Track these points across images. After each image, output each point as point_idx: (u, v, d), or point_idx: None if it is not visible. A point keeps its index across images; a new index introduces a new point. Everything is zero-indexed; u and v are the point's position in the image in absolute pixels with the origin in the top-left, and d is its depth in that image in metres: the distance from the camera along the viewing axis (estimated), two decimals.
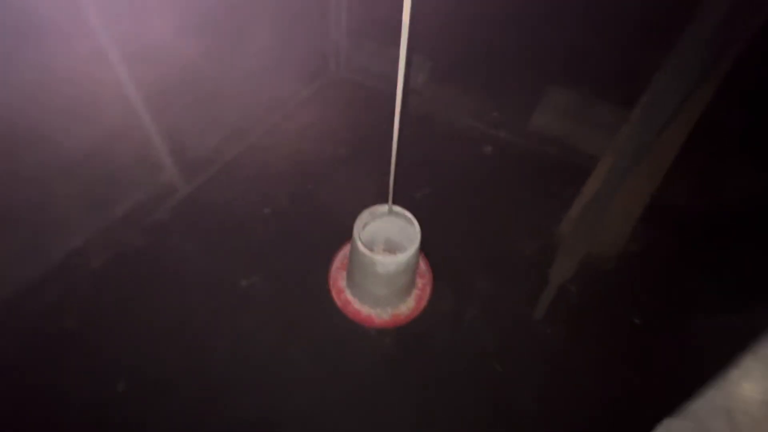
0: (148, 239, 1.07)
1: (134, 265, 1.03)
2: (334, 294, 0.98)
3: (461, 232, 1.16)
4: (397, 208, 0.84)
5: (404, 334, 0.96)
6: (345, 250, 1.05)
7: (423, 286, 1.00)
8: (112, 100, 0.93)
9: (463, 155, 1.36)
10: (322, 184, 1.24)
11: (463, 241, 1.14)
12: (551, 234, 1.16)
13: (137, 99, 0.96)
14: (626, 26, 1.14)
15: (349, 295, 0.97)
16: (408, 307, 0.97)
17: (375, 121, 1.44)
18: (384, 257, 0.82)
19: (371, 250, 0.80)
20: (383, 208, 0.85)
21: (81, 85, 0.87)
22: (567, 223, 1.16)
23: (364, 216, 0.84)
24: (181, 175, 1.15)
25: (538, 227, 1.18)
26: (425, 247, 0.90)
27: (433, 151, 1.35)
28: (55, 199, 0.92)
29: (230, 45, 1.14)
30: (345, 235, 1.10)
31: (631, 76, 1.20)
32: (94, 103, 0.91)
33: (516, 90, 1.46)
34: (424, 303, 0.98)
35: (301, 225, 1.14)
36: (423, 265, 1.03)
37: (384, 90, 1.53)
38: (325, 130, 1.40)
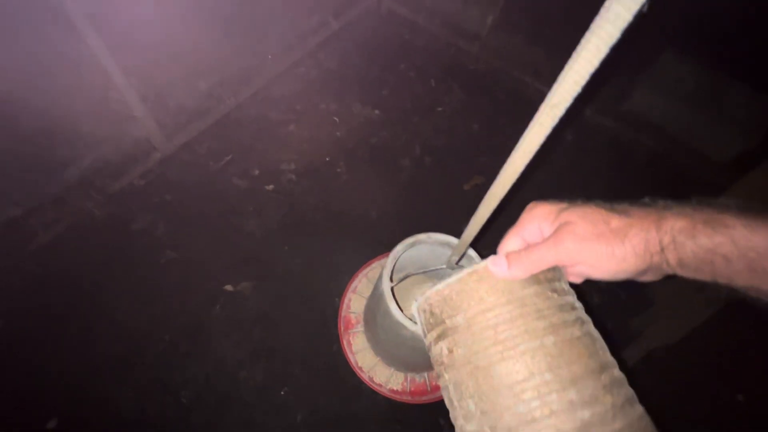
0: (110, 211, 0.82)
1: (87, 247, 0.78)
2: (345, 345, 0.70)
3: None
4: (472, 255, 0.53)
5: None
6: (378, 264, 0.78)
7: None
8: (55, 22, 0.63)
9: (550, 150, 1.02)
10: (344, 157, 0.95)
11: None
12: None
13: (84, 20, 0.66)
14: None
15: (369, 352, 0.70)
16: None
17: (422, 75, 1.10)
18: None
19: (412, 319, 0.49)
20: (430, 239, 0.56)
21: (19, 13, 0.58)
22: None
23: (399, 251, 0.53)
24: (160, 129, 0.87)
25: None
26: None
27: (489, 125, 1.02)
28: None
29: None
30: (369, 236, 0.83)
31: None
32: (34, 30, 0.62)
33: (612, 57, 1.08)
34: None
35: (310, 214, 0.87)
36: None
37: (438, 33, 1.17)
38: (353, 80, 1.07)
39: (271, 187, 0.89)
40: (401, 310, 0.49)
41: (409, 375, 0.68)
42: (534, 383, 0.27)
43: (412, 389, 0.67)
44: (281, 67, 1.04)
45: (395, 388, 0.67)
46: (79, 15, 0.65)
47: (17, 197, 0.77)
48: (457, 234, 0.43)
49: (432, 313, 0.33)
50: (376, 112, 1.03)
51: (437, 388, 0.68)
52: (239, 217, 0.85)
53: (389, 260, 0.52)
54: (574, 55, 0.20)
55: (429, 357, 0.72)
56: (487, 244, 0.50)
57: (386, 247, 0.55)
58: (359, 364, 0.68)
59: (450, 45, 1.17)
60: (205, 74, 0.95)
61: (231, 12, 0.94)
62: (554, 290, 0.31)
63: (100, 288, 0.74)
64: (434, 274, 0.61)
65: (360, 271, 0.76)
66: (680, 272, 0.26)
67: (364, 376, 0.67)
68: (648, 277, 0.28)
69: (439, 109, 1.05)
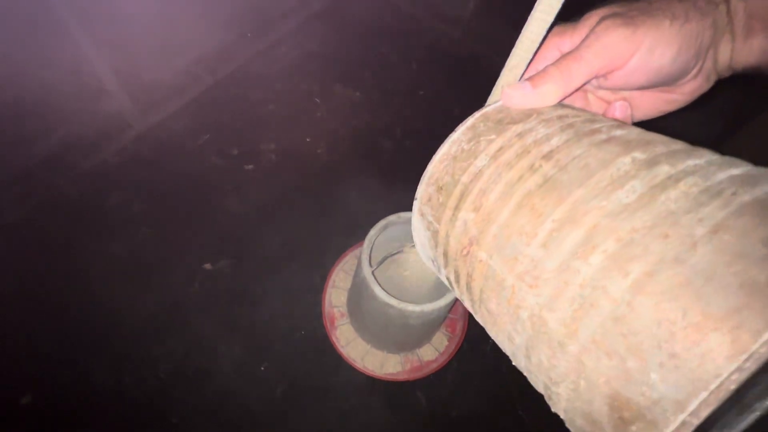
0: (82, 189, 0.80)
1: (59, 224, 0.77)
2: (328, 326, 0.71)
3: None
4: None
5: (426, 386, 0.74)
6: (351, 255, 0.79)
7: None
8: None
9: None
10: (324, 138, 0.95)
11: None
12: None
13: None
14: None
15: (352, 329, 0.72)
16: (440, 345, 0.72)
17: (404, 58, 1.10)
18: (420, 307, 0.51)
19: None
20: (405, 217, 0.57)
21: None
22: None
23: (373, 235, 0.54)
24: (135, 105, 0.85)
25: None
26: None
27: (470, 109, 1.04)
28: None
29: None
30: (348, 217, 0.83)
31: None
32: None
33: None
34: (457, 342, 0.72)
35: (290, 194, 0.86)
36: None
37: (420, 17, 1.17)
38: (335, 61, 1.07)
39: (250, 166, 0.89)
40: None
41: (401, 355, 0.70)
42: (625, 162, 0.19)
43: (408, 368, 0.69)
44: (261, 46, 1.03)
45: (391, 372, 0.68)
46: None
47: None
48: None
49: (439, 187, 0.25)
50: (357, 93, 1.03)
51: (430, 362, 0.70)
52: (218, 196, 0.84)
53: (365, 246, 0.53)
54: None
55: (420, 331, 0.73)
56: None
57: (364, 229, 0.56)
58: (351, 356, 0.69)
59: (432, 29, 1.17)
60: (181, 50, 0.93)
61: None
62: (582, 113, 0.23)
63: (73, 265, 0.73)
64: (412, 251, 0.63)
65: (336, 265, 0.76)
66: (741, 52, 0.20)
67: (358, 366, 0.68)
68: (694, 77, 0.21)
69: (421, 92, 1.06)
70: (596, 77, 0.22)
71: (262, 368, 0.69)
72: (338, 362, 0.70)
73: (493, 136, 0.23)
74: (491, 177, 0.21)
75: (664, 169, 0.18)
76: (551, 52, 0.23)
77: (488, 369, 0.74)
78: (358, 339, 0.70)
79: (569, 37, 0.22)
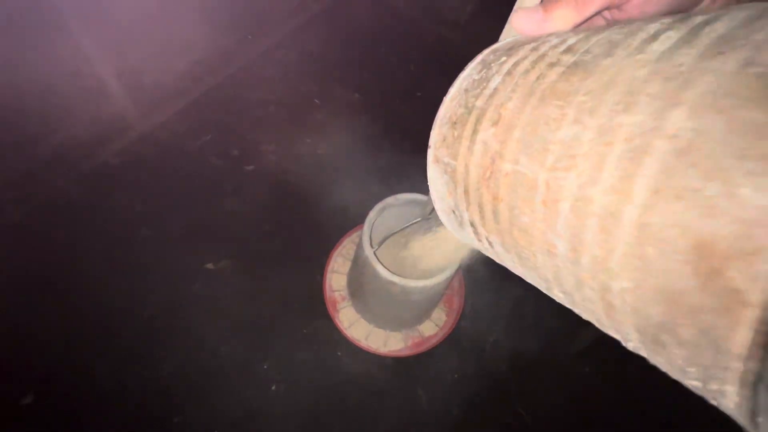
0: (83, 190, 0.80)
1: (60, 225, 0.77)
2: (329, 307, 0.74)
3: None
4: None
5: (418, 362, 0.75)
6: (348, 240, 0.80)
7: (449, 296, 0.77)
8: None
9: None
10: (324, 140, 0.95)
11: None
12: None
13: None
14: None
15: (352, 310, 0.74)
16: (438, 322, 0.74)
17: (403, 60, 1.11)
18: (422, 282, 0.53)
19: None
20: (404, 198, 0.58)
21: None
22: None
23: (372, 217, 0.57)
24: (136, 107, 0.86)
25: None
26: None
27: None
28: None
29: None
30: (348, 219, 0.84)
31: None
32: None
33: None
34: (454, 318, 0.75)
35: (290, 195, 0.87)
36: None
37: (418, 19, 1.18)
38: (334, 63, 1.08)
39: (251, 167, 0.89)
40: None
41: (403, 332, 0.72)
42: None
43: (410, 344, 0.72)
44: (260, 49, 1.04)
45: (394, 348, 0.71)
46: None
47: None
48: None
49: (453, 123, 0.23)
50: (356, 95, 1.04)
51: (431, 336, 0.73)
52: (219, 196, 0.84)
53: (365, 228, 0.56)
54: None
55: (421, 307, 0.75)
56: None
57: (354, 218, 0.57)
58: (356, 337, 0.71)
59: (430, 31, 1.18)
60: (182, 52, 0.94)
61: None
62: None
63: (75, 265, 0.73)
64: (411, 230, 0.64)
65: (334, 251, 0.78)
66: None
67: (363, 345, 0.71)
68: None
69: (419, 93, 1.07)
70: (609, 8, 0.20)
71: (265, 366, 0.69)
72: (340, 358, 0.71)
73: (504, 59, 0.20)
74: (507, 88, 0.19)
75: (701, 17, 0.15)
76: None
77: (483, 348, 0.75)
78: (361, 320, 0.72)
79: None
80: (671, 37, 0.15)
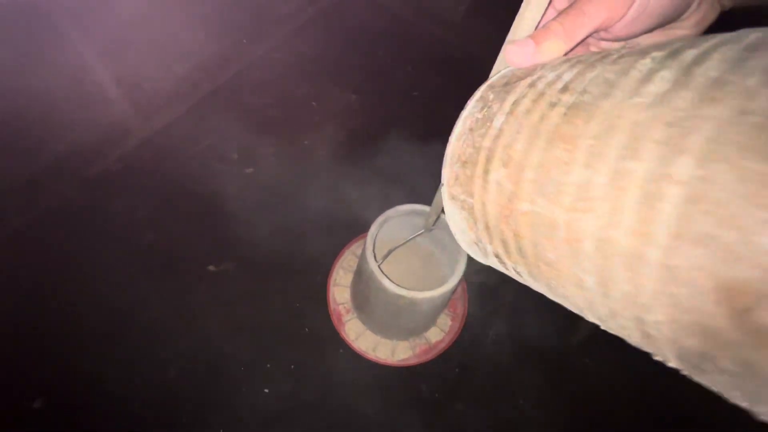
0: (86, 196, 0.81)
1: (64, 231, 0.78)
2: (335, 321, 0.74)
3: None
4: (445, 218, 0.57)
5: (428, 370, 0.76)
6: (348, 252, 0.80)
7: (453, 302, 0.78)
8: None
9: None
10: (322, 141, 0.96)
11: None
12: None
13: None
14: None
15: (357, 320, 0.74)
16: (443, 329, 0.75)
17: (399, 61, 1.12)
18: (429, 293, 0.53)
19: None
20: (404, 209, 0.59)
21: None
22: None
23: (374, 232, 0.57)
24: (136, 113, 0.87)
25: None
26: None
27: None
28: None
29: None
30: (346, 219, 0.85)
31: None
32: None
33: None
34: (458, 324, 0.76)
35: (290, 197, 0.88)
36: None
37: (413, 20, 1.19)
38: (330, 65, 1.09)
39: (250, 170, 0.90)
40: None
41: (410, 340, 0.73)
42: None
43: (418, 351, 0.73)
44: (258, 53, 1.05)
45: (402, 357, 0.72)
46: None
47: None
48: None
49: (464, 162, 0.24)
50: (353, 96, 1.05)
51: (438, 342, 0.74)
52: (220, 199, 0.86)
53: (368, 242, 0.56)
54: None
55: (428, 316, 0.76)
56: None
57: (363, 227, 0.58)
58: (363, 349, 0.72)
59: (425, 32, 1.19)
60: (180, 58, 0.95)
61: None
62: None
63: (80, 270, 0.74)
64: (414, 243, 0.65)
65: (335, 264, 0.79)
66: None
67: (371, 357, 0.71)
68: (698, 8, 0.21)
69: (415, 93, 1.08)
70: (597, 30, 0.22)
71: (268, 366, 0.70)
72: (342, 356, 0.72)
73: (503, 96, 0.21)
74: (512, 128, 0.20)
75: (691, 53, 0.16)
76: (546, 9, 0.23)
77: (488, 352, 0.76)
78: (367, 332, 0.72)
79: None
80: (665, 78, 0.16)
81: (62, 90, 0.80)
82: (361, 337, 0.72)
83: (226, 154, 0.91)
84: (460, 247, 0.56)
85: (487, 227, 0.23)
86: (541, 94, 0.19)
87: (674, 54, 0.16)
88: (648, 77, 0.16)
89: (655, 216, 0.14)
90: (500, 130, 0.21)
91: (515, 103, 0.21)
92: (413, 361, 0.72)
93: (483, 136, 0.22)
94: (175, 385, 0.67)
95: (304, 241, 0.83)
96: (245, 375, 0.70)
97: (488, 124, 0.22)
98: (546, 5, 0.23)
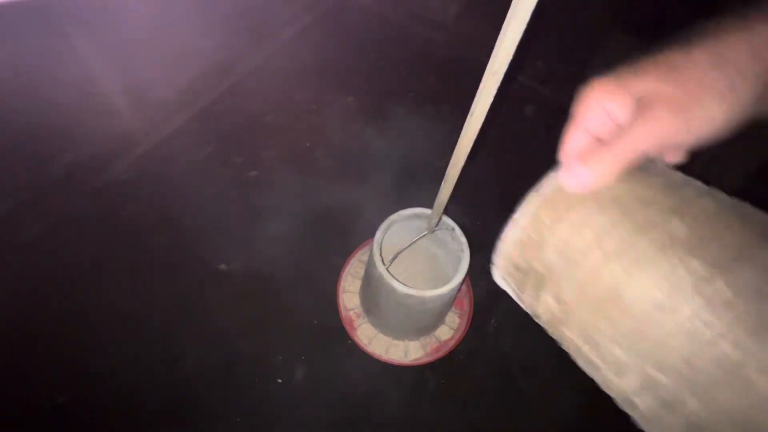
0: (96, 204, 0.84)
1: (77, 238, 0.80)
2: (344, 321, 0.76)
3: (494, 215, 0.95)
4: (446, 220, 0.60)
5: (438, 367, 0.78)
6: (355, 259, 0.83)
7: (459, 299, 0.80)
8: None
9: (495, 114, 1.09)
10: (322, 144, 0.99)
11: (497, 225, 0.93)
12: None
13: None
14: None
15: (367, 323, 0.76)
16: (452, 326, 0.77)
17: (393, 63, 1.16)
18: (437, 291, 0.56)
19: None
20: (407, 213, 0.62)
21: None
22: None
23: (379, 237, 0.59)
24: (142, 123, 0.90)
25: None
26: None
27: (460, 108, 1.09)
28: None
29: None
30: (349, 219, 0.88)
31: None
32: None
33: (569, 35, 1.17)
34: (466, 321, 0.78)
35: (292, 197, 0.91)
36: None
37: (406, 24, 1.23)
38: (327, 70, 1.12)
39: (254, 173, 0.93)
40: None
41: (421, 340, 0.75)
42: (687, 285, 0.19)
43: (430, 350, 0.75)
44: (256, 61, 1.08)
45: (415, 357, 0.73)
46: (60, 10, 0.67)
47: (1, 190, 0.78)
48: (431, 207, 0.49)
49: (516, 266, 0.26)
50: (351, 99, 1.08)
51: (447, 340, 0.75)
52: (226, 202, 0.88)
53: (375, 247, 0.59)
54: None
55: (437, 314, 0.78)
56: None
57: (363, 227, 0.60)
58: (377, 352, 0.74)
59: (418, 35, 1.23)
60: (183, 68, 0.98)
61: (207, 8, 0.97)
62: (649, 173, 0.23)
63: (94, 275, 0.77)
64: (419, 244, 0.67)
65: (343, 271, 0.81)
66: None
67: (385, 359, 0.73)
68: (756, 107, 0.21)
69: (411, 94, 1.11)
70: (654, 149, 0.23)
71: (280, 358, 0.73)
72: (352, 349, 0.74)
73: (555, 230, 0.23)
74: (563, 273, 0.23)
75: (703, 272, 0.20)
76: (595, 109, 0.24)
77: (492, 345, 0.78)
78: (379, 335, 0.75)
79: (615, 96, 0.23)
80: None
81: (70, 102, 0.83)
82: (374, 341, 0.74)
83: (230, 159, 0.94)
84: (462, 246, 0.59)
85: (536, 316, 0.27)
86: (589, 249, 0.22)
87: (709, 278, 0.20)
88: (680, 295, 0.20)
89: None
90: (550, 264, 0.23)
91: (565, 244, 0.22)
92: (425, 360, 0.73)
93: (534, 258, 0.24)
94: (191, 380, 0.69)
95: (308, 238, 0.85)
96: (257, 369, 0.72)
97: (538, 249, 0.24)
98: (526, 22, 0.24)
